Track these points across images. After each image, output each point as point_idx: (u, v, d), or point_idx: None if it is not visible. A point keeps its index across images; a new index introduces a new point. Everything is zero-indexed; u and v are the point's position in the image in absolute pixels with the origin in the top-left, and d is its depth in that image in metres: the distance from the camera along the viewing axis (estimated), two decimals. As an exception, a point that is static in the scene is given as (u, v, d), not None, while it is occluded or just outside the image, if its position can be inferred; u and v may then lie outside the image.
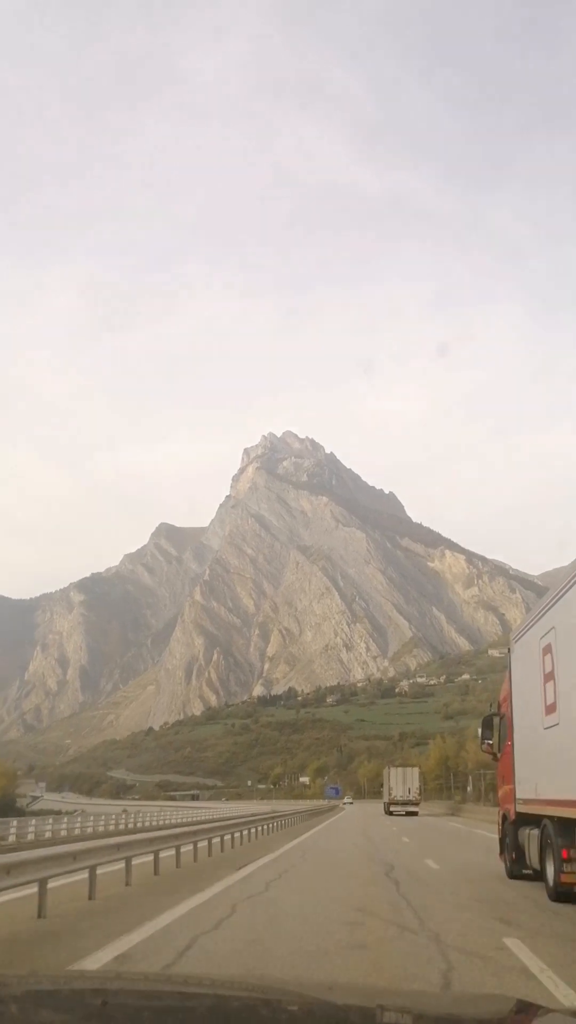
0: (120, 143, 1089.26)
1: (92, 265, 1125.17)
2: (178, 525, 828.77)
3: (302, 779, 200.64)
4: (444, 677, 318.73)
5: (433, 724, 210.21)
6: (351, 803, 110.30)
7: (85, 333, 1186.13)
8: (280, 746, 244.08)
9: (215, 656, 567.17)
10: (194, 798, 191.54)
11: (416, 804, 65.75)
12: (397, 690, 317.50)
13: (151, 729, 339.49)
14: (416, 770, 70.84)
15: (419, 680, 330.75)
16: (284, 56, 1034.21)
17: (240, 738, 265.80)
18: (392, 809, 65.37)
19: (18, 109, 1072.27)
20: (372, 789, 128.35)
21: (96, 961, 7.87)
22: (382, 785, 78.51)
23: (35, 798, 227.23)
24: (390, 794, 67.51)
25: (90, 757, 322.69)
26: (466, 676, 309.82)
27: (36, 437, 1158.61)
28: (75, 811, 73.35)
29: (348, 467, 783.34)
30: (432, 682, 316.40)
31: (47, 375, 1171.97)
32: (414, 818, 58.66)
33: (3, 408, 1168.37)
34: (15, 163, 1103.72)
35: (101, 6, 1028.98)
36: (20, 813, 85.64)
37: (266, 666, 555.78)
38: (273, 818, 37.59)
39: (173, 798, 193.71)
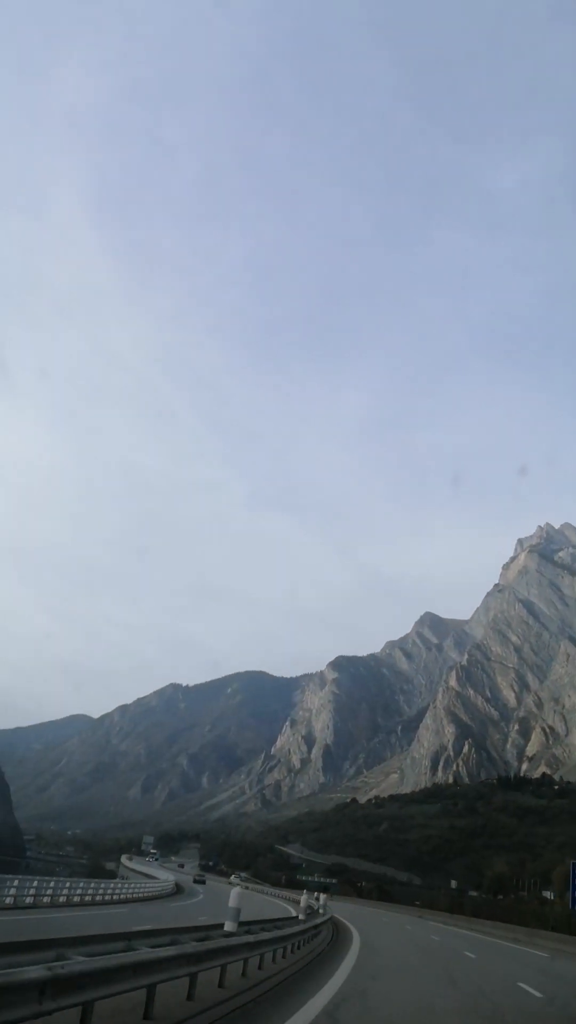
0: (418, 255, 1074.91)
1: (383, 369, 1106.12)
2: (443, 616, 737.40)
3: (545, 893, 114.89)
4: None
5: None
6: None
7: (370, 432, 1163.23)
8: (517, 839, 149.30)
9: (465, 748, 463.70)
10: (324, 890, 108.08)
11: None
12: None
13: (353, 800, 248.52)
14: None
15: None
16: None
17: (460, 821, 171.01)
18: None
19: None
20: None
21: None
22: None
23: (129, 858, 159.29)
24: None
25: (275, 828, 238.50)
26: None
27: (324, 531, 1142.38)
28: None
29: None
30: None
31: (333, 474, 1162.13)
32: None
33: (301, 503, 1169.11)
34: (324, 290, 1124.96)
35: (417, 133, 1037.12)
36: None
37: (524, 766, 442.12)
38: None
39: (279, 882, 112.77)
